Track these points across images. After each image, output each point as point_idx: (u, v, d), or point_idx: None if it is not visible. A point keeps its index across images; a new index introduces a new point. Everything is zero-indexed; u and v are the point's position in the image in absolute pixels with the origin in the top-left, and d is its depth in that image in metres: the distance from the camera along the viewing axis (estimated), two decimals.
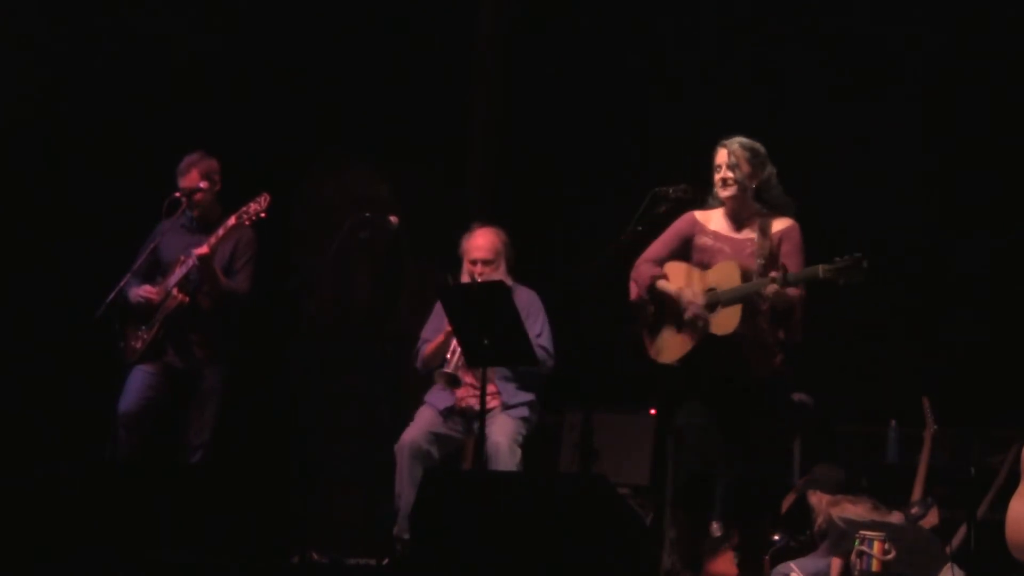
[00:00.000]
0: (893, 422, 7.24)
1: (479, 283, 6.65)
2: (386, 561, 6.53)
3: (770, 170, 5.88)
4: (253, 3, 8.15)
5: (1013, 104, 7.48)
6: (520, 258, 6.91)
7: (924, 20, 7.64)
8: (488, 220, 6.95)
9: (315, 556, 6.69)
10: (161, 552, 5.82)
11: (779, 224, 5.84)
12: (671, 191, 5.86)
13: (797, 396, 7.22)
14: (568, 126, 8.18)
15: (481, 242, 6.83)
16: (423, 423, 6.75)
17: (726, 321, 5.66)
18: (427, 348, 6.84)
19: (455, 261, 6.90)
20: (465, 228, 6.95)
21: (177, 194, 6.90)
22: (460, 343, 6.42)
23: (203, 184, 6.91)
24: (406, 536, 6.53)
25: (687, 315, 5.74)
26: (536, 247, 7.18)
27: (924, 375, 7.24)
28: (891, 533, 6.29)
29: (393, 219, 6.83)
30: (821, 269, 5.53)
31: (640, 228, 5.89)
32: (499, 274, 6.76)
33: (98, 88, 7.94)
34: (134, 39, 7.99)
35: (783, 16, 7.86)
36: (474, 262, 6.80)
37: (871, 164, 7.75)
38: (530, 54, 8.27)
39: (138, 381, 6.85)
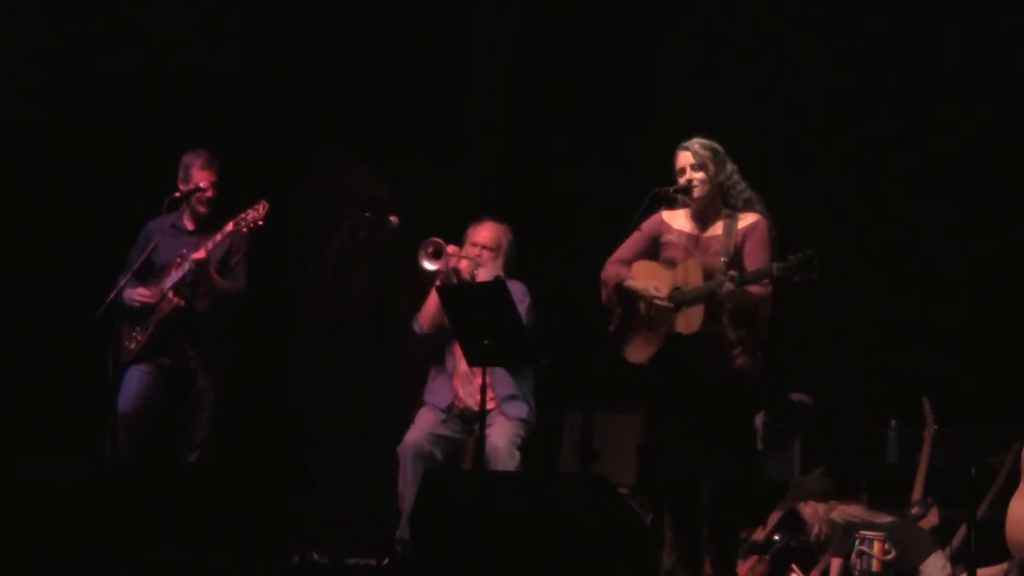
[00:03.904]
0: (893, 422, 7.24)
1: (479, 283, 6.66)
2: (386, 561, 6.53)
3: (731, 167, 5.86)
4: (253, 3, 8.15)
5: (1016, 104, 7.48)
6: (519, 257, 6.92)
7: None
8: (499, 217, 6.99)
9: (315, 556, 6.69)
10: (161, 552, 5.82)
11: (745, 220, 5.81)
12: (671, 191, 5.87)
13: (797, 396, 7.22)
14: (568, 126, 8.18)
15: (486, 231, 6.88)
16: (424, 425, 6.75)
17: (690, 320, 5.67)
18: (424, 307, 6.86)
19: None
20: (465, 228, 6.95)
21: (177, 194, 6.89)
22: (460, 343, 6.44)
23: (210, 185, 6.91)
24: (409, 538, 6.54)
25: (650, 309, 5.75)
26: (536, 247, 7.18)
27: (924, 375, 7.23)
28: (889, 531, 6.30)
29: (393, 219, 6.84)
30: (774, 267, 5.53)
31: (640, 228, 5.90)
32: (496, 265, 6.78)
33: (98, 88, 7.93)
34: (134, 39, 7.99)
35: (784, 15, 7.85)
36: (475, 244, 6.83)
37: (870, 162, 7.75)
38: (530, 54, 8.27)
39: (134, 382, 6.85)
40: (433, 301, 6.76)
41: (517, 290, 6.74)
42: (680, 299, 5.71)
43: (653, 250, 5.93)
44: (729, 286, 5.55)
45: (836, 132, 7.78)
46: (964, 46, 7.55)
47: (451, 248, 6.72)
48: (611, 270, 5.92)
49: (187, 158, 6.94)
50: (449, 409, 6.78)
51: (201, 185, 6.88)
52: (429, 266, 6.70)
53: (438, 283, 6.64)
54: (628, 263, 5.91)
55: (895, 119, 7.70)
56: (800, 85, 7.84)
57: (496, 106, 8.36)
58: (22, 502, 5.90)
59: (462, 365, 6.74)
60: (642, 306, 5.80)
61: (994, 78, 7.52)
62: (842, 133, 7.78)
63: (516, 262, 6.89)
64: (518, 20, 8.33)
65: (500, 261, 6.84)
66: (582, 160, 8.14)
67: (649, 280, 5.80)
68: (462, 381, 6.78)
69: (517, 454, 6.58)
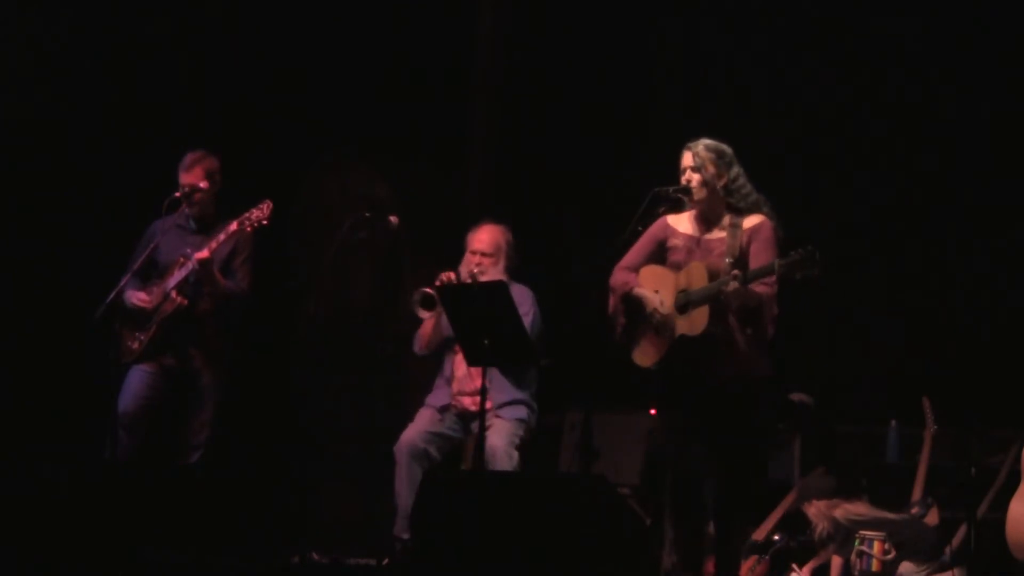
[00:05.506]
0: (893, 422, 7.24)
1: (479, 283, 6.67)
2: (386, 561, 6.54)
3: (737, 170, 5.86)
4: (254, 3, 8.15)
5: (1015, 102, 7.48)
6: (520, 257, 6.93)
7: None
8: (496, 218, 7.00)
9: (315, 556, 6.69)
10: (161, 552, 5.82)
11: (749, 222, 5.82)
12: (671, 191, 5.87)
13: (797, 396, 7.22)
14: (568, 126, 8.18)
15: (485, 236, 6.90)
16: (421, 423, 6.80)
17: (695, 322, 5.67)
18: (421, 329, 6.92)
19: (455, 261, 6.91)
20: (465, 227, 6.97)
21: (177, 194, 6.90)
22: (460, 343, 6.45)
23: (203, 184, 6.90)
24: (405, 536, 6.55)
25: (654, 317, 5.77)
26: (536, 247, 7.18)
27: (924, 375, 7.23)
28: (893, 529, 6.29)
29: (393, 219, 6.85)
30: (777, 263, 5.52)
31: (640, 228, 5.90)
32: (497, 270, 6.80)
33: (99, 88, 7.94)
34: (135, 40, 7.99)
35: (783, 15, 7.85)
36: (474, 252, 6.84)
37: (870, 161, 7.75)
38: (530, 54, 8.27)
39: (136, 381, 6.86)
40: (428, 326, 6.85)
41: (525, 297, 6.76)
42: (685, 301, 5.72)
43: (660, 254, 5.95)
44: (734, 284, 5.54)
45: (836, 132, 7.77)
46: (963, 45, 7.54)
47: (446, 275, 6.73)
48: (619, 277, 5.94)
49: (182, 162, 6.97)
50: (446, 409, 6.81)
51: (202, 186, 6.89)
52: (423, 314, 6.76)
53: (438, 283, 6.65)
54: (636, 269, 5.93)
55: (895, 118, 7.70)
56: (801, 83, 7.84)
57: (496, 106, 8.36)
58: (22, 502, 5.89)
59: (460, 370, 6.80)
60: (647, 314, 5.81)
61: (993, 78, 7.52)
62: (842, 133, 7.77)
63: (518, 261, 6.90)
64: (518, 20, 8.33)
65: (501, 264, 6.86)
66: (582, 160, 8.14)
67: (655, 284, 5.82)
68: (459, 384, 6.82)
69: (515, 454, 6.60)
